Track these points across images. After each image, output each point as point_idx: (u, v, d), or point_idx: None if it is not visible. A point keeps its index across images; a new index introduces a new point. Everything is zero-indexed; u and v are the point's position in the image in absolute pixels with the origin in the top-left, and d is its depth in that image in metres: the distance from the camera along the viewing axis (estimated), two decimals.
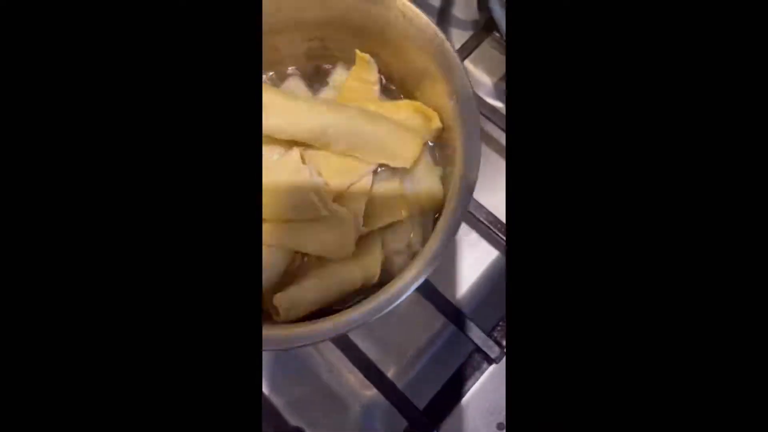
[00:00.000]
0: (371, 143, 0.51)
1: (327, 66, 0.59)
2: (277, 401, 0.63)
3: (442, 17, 0.78)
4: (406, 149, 0.52)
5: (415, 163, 0.55)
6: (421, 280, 0.42)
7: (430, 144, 0.56)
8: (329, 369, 0.65)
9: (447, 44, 0.47)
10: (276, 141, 0.52)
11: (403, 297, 0.42)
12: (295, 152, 0.52)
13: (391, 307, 0.42)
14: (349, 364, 0.57)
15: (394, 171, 0.55)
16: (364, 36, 0.53)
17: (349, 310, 0.43)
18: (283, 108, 0.49)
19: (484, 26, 0.67)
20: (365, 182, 0.53)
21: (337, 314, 0.44)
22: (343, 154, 0.52)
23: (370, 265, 0.50)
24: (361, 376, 0.57)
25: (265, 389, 0.64)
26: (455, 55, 0.47)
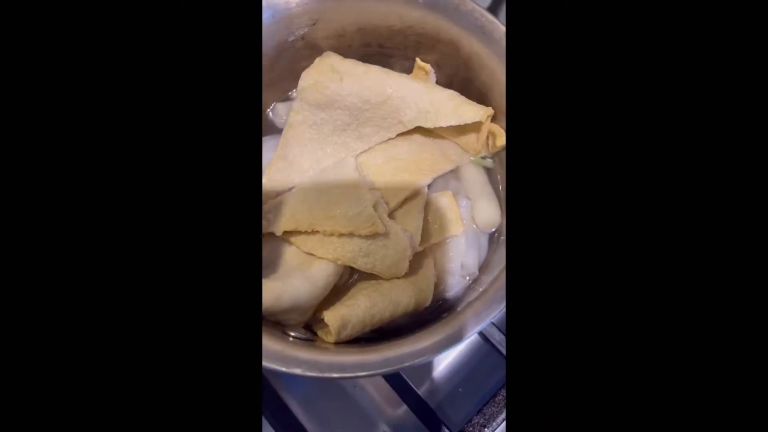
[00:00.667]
0: (442, 108, 0.49)
1: None
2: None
3: None
4: (475, 110, 0.49)
5: (472, 180, 0.53)
6: (488, 320, 0.39)
7: (488, 158, 0.53)
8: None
9: None
10: (340, 107, 0.50)
11: (468, 336, 0.39)
12: (351, 160, 0.50)
13: (452, 348, 0.39)
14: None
15: (447, 183, 0.53)
16: (429, 45, 0.51)
17: (404, 342, 0.41)
18: (357, 74, 0.49)
19: None
20: (420, 197, 0.51)
21: (390, 345, 0.41)
22: (411, 123, 0.50)
23: (423, 286, 0.48)
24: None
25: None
26: None
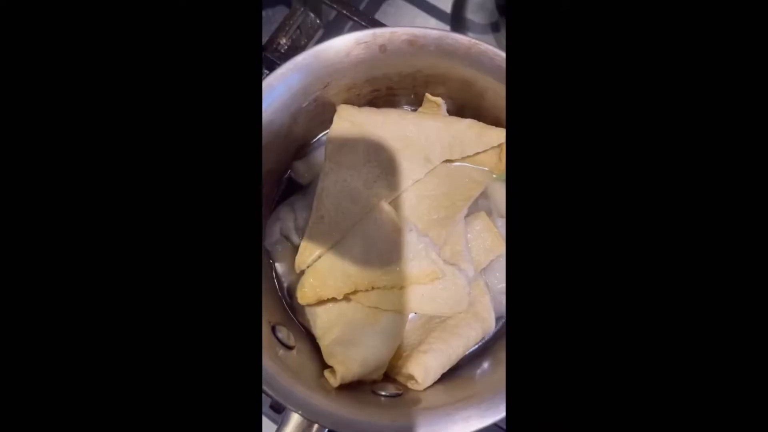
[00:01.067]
0: (465, 138, 0.51)
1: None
2: None
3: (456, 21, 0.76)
4: (498, 133, 0.52)
5: (501, 197, 0.55)
6: None
7: None
8: None
9: None
10: (368, 161, 0.51)
11: None
12: (388, 208, 0.51)
13: None
14: None
15: (476, 203, 0.55)
16: (439, 82, 0.52)
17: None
18: (375, 125, 0.51)
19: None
20: (460, 228, 0.53)
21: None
22: (438, 159, 0.52)
23: (485, 314, 0.50)
24: None
25: None
26: None
